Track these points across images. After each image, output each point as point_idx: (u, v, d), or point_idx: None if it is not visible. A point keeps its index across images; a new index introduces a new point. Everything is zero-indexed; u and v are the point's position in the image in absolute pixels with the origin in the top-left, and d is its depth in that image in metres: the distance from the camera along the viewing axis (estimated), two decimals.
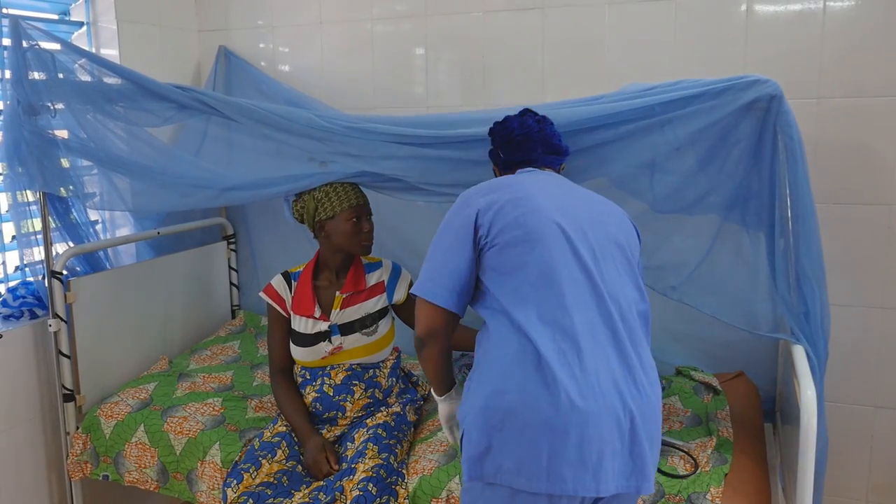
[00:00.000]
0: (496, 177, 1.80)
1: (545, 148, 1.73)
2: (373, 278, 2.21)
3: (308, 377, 2.16)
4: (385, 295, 2.21)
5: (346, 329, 2.13)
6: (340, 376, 2.13)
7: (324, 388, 2.13)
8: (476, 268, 1.53)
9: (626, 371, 1.43)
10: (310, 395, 2.15)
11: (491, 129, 1.82)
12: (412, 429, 2.12)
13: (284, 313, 2.19)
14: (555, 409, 1.35)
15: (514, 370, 1.40)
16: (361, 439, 2.00)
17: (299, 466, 1.99)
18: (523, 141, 1.73)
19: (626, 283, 1.53)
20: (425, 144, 2.08)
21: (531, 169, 1.71)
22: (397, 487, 1.86)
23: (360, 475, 1.85)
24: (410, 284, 2.25)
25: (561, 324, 1.41)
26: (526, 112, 1.81)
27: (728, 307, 2.02)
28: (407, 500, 1.86)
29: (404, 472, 1.92)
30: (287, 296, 2.19)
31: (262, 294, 2.22)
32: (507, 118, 1.79)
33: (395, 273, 2.25)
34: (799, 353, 1.78)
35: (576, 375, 1.38)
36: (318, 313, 2.13)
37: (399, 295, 2.23)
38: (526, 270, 1.45)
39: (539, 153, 1.73)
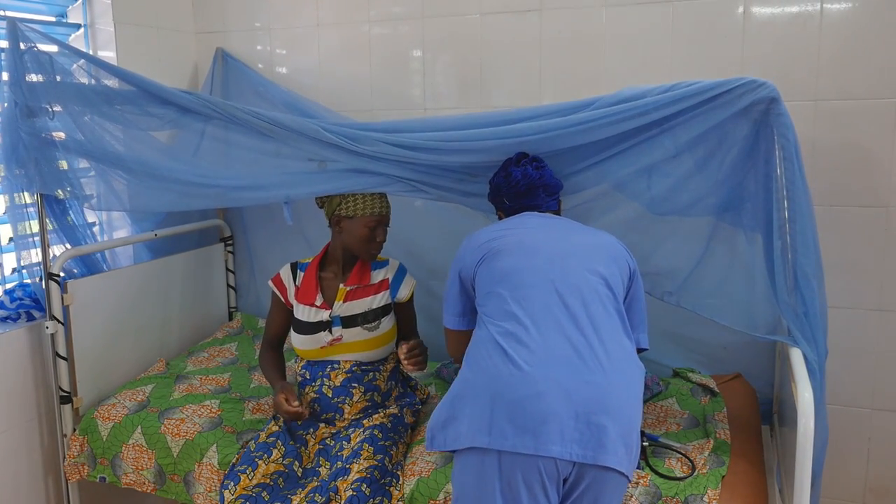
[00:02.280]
0: (499, 220, 1.98)
1: (546, 192, 1.91)
2: (378, 275, 2.22)
3: (308, 377, 2.16)
4: (388, 292, 2.21)
5: (349, 322, 2.14)
6: (340, 378, 2.13)
7: (323, 390, 2.13)
8: (471, 293, 1.79)
9: (587, 350, 1.54)
10: (308, 395, 2.15)
11: (495, 180, 1.97)
12: (409, 431, 2.13)
13: (285, 301, 2.20)
14: (501, 376, 1.51)
15: (479, 354, 1.59)
16: (358, 439, 2.00)
17: (296, 463, 1.99)
18: (528, 190, 1.89)
19: (593, 278, 1.65)
20: (428, 164, 2.11)
21: (532, 213, 1.88)
22: (391, 489, 1.87)
23: (354, 475, 1.85)
24: (413, 287, 2.27)
25: (515, 313, 1.58)
26: (522, 158, 1.94)
27: (726, 309, 2.02)
28: (401, 502, 1.86)
29: (399, 473, 1.93)
30: (291, 285, 2.21)
31: (269, 283, 2.26)
32: (510, 170, 1.92)
33: (401, 272, 2.26)
34: (796, 356, 1.79)
35: (524, 350, 1.52)
36: (318, 301, 2.15)
37: (402, 293, 2.23)
38: (492, 277, 1.68)
39: (542, 198, 1.91)
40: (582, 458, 1.45)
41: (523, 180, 1.88)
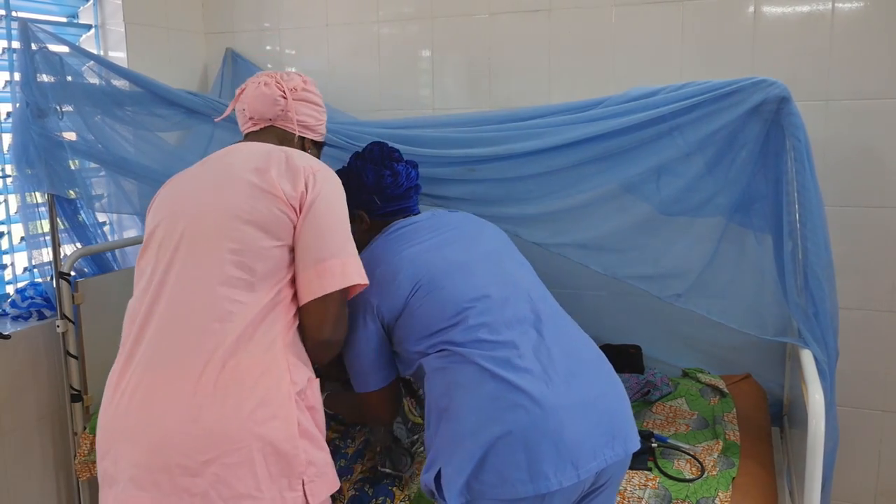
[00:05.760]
0: (364, 226, 1.75)
1: (416, 192, 1.80)
2: None
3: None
4: None
5: None
6: None
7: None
8: (385, 335, 1.60)
9: (571, 351, 1.50)
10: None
11: (369, 175, 1.73)
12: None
13: None
14: (519, 419, 1.39)
15: (480, 393, 1.43)
16: (361, 438, 2.01)
17: None
18: (406, 191, 1.75)
19: (529, 275, 1.64)
20: (429, 162, 2.06)
21: (402, 222, 1.70)
22: (394, 489, 1.86)
23: (357, 475, 1.87)
24: None
25: (495, 339, 1.46)
26: (394, 152, 1.78)
27: (735, 311, 2.00)
28: (403, 503, 1.86)
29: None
30: None
31: None
32: (395, 167, 1.74)
33: None
34: (807, 357, 1.78)
35: (526, 377, 1.42)
36: None
37: None
38: (444, 307, 1.51)
39: (414, 199, 1.78)
40: (613, 457, 1.44)
41: (406, 181, 1.73)
